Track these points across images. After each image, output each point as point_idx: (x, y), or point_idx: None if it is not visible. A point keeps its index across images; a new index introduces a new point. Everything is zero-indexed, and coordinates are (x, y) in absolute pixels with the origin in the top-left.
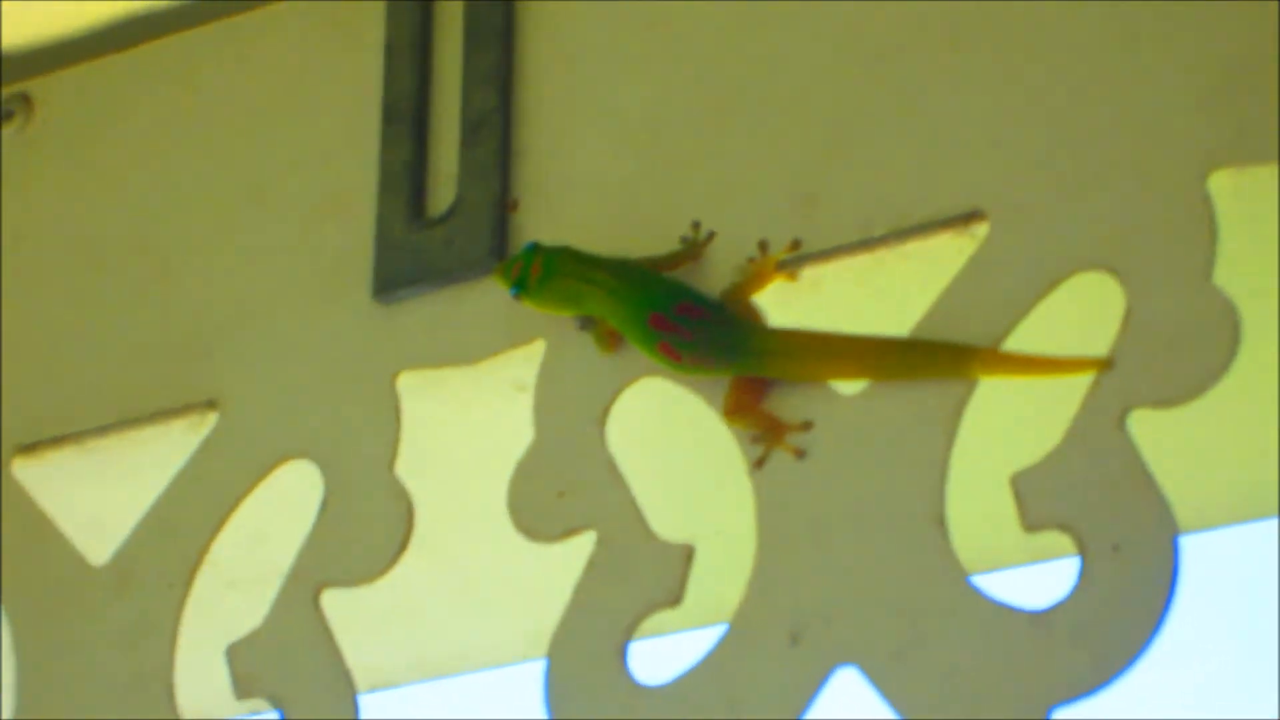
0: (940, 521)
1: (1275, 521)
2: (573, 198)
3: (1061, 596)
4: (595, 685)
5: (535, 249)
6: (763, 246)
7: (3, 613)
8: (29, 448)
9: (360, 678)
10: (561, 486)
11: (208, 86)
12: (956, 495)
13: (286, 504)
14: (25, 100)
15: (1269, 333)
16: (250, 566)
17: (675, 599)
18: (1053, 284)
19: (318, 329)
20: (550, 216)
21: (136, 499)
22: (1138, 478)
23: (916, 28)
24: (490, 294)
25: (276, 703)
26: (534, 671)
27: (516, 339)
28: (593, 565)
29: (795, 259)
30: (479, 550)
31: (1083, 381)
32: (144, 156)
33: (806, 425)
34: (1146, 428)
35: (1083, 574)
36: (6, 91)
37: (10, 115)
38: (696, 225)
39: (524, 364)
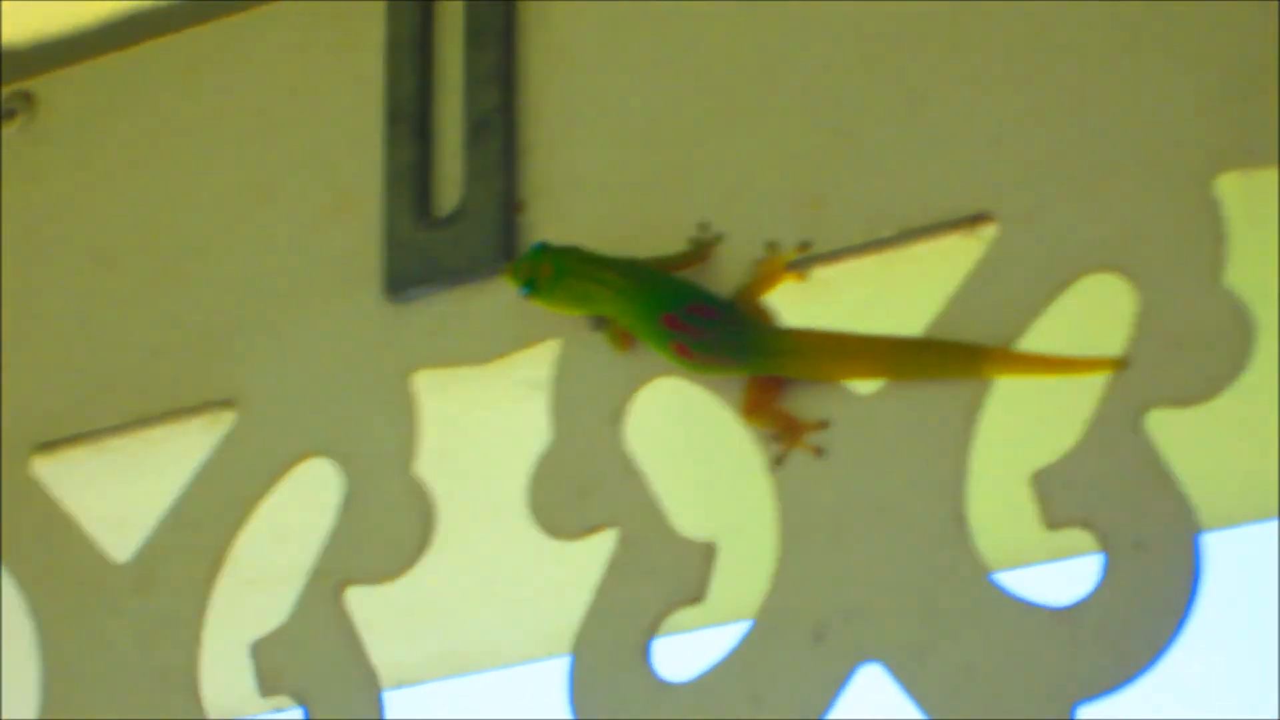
0: (960, 519)
1: None
2: (579, 198)
3: (1084, 594)
4: (619, 682)
5: (544, 249)
6: (771, 247)
7: (27, 610)
8: (48, 446)
9: (384, 675)
10: (581, 485)
11: (212, 85)
12: (976, 493)
13: (307, 501)
14: (28, 98)
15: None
16: (272, 564)
17: (698, 596)
18: (1062, 286)
19: (331, 327)
20: (557, 217)
21: (156, 497)
22: (1157, 476)
23: (924, 29)
24: (502, 293)
25: (301, 700)
26: (557, 669)
27: (530, 338)
28: (615, 563)
29: (804, 260)
30: (500, 548)
31: (1097, 382)
32: (149, 155)
33: (824, 424)
34: (1163, 426)
35: (1106, 571)
36: (10, 90)
37: (13, 114)
38: (704, 226)
39: (538, 363)
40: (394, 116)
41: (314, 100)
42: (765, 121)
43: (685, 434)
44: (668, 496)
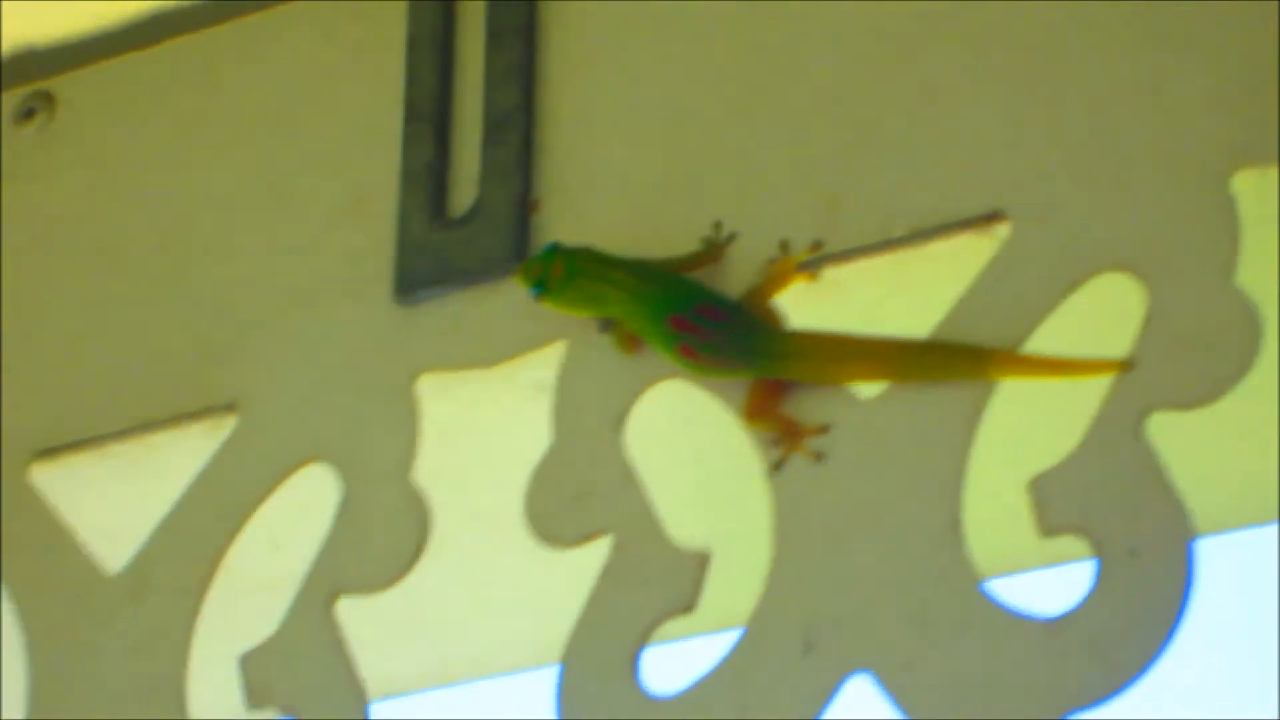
0: (956, 525)
1: None
2: (594, 197)
3: (1077, 602)
4: (607, 692)
5: (556, 249)
6: (784, 247)
7: (17, 619)
8: (48, 452)
9: (373, 685)
10: (578, 490)
11: (229, 84)
12: (973, 499)
13: (303, 509)
14: (48, 98)
15: None
16: (265, 573)
17: (689, 605)
18: (1074, 285)
19: (338, 330)
20: (572, 216)
21: (156, 502)
22: (1155, 481)
23: (938, 28)
24: (511, 295)
25: (288, 711)
26: (547, 678)
27: (537, 340)
28: (608, 571)
29: (816, 260)
30: (494, 555)
31: (1102, 383)
32: (165, 155)
33: (825, 428)
34: (1165, 430)
35: (1099, 578)
36: (29, 89)
37: (32, 113)
38: (718, 226)
39: (544, 365)
40: (412, 115)
41: (332, 99)
42: (780, 122)
43: (686, 439)
44: (665, 503)
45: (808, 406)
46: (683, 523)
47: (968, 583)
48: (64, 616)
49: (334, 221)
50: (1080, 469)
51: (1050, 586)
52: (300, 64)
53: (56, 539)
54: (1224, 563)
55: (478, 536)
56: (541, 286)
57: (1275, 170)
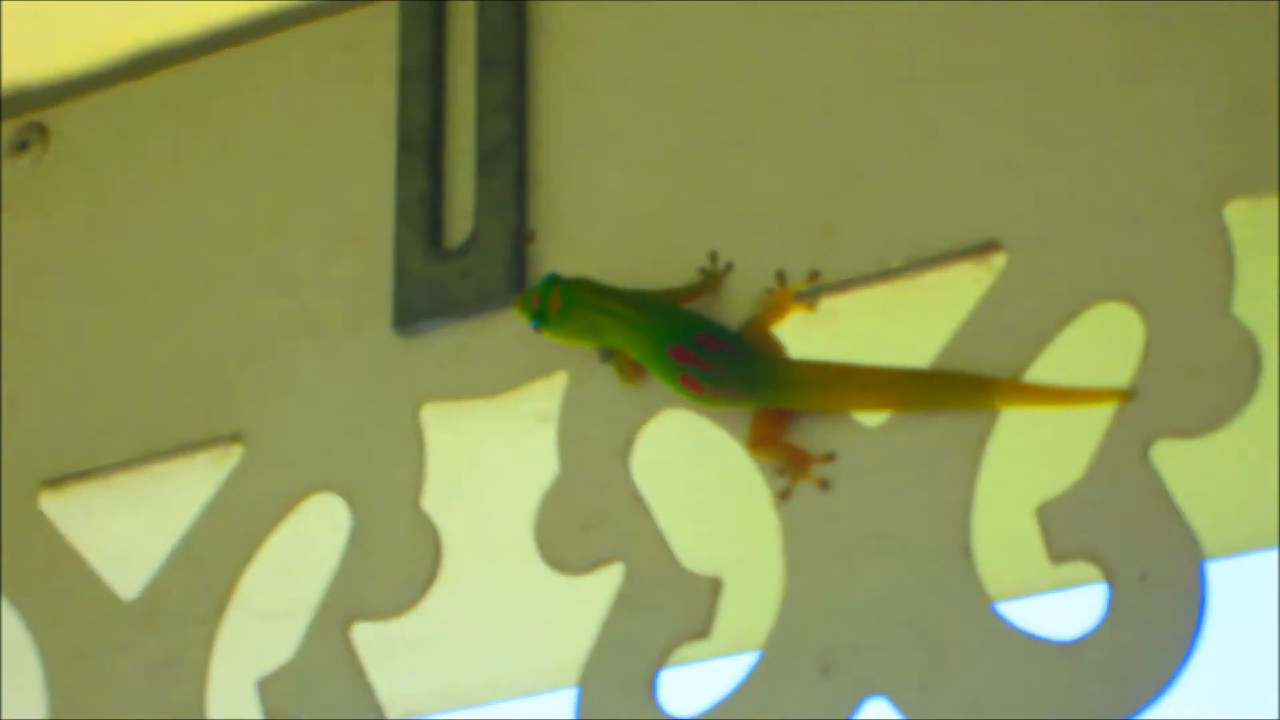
0: (967, 551)
1: None
2: (590, 228)
3: (1090, 626)
4: (627, 713)
5: (553, 280)
6: (780, 278)
7: (33, 647)
8: (56, 482)
9: (390, 708)
10: (587, 518)
11: (223, 116)
12: (982, 525)
13: (314, 537)
14: (41, 130)
15: None
16: (279, 600)
17: (704, 630)
18: (1071, 315)
19: (339, 361)
20: (567, 247)
21: (163, 532)
22: (1163, 507)
23: (933, 59)
24: (511, 325)
25: None
26: (564, 702)
27: (538, 371)
28: (621, 597)
29: (813, 290)
30: (507, 582)
31: (1105, 412)
32: (160, 186)
33: (830, 456)
34: (1170, 457)
35: (1111, 603)
36: (22, 122)
37: (26, 145)
38: (714, 256)
39: (546, 395)
40: (406, 146)
41: (325, 130)
42: (775, 152)
43: (692, 467)
44: (674, 530)
45: (813, 435)
46: (693, 549)
47: (981, 606)
48: (80, 644)
49: (331, 252)
50: (1087, 496)
51: (1063, 610)
52: (293, 95)
53: (70, 567)
54: (1232, 586)
55: (489, 563)
56: (540, 318)
57: (1269, 199)
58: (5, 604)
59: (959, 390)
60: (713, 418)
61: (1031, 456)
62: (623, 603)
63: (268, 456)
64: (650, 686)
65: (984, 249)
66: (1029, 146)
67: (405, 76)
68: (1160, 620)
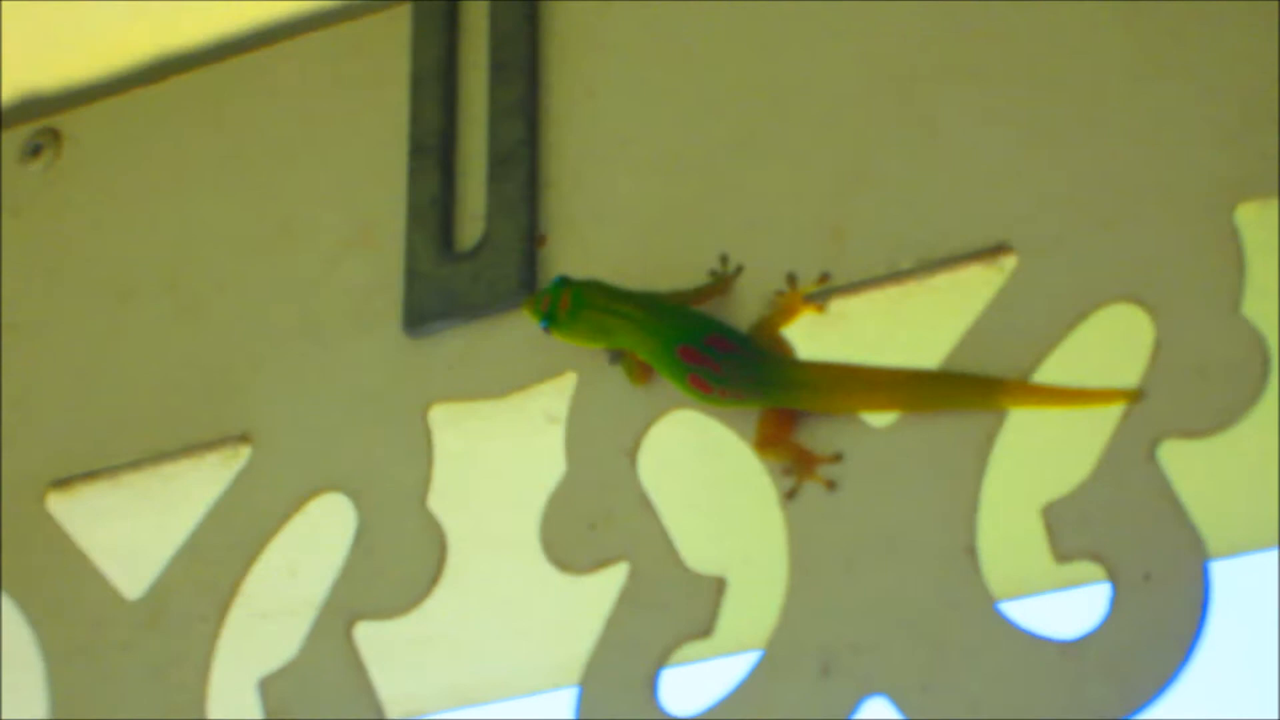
0: (971, 551)
1: None
2: (601, 231)
3: (1093, 626)
4: (626, 713)
5: (564, 282)
6: (790, 280)
7: (36, 645)
8: (63, 483)
9: (392, 707)
10: (593, 518)
11: (235, 121)
12: (987, 525)
13: (319, 537)
14: (54, 135)
15: None
16: (283, 599)
17: (706, 630)
18: (1081, 316)
19: (349, 362)
20: (579, 250)
21: (170, 532)
22: (1168, 507)
23: (943, 61)
24: (521, 327)
25: None
26: (565, 700)
27: (547, 371)
28: (625, 596)
29: (823, 292)
30: (511, 582)
31: (1113, 412)
32: (172, 190)
33: (837, 457)
34: (1177, 457)
35: (1114, 603)
36: (35, 127)
37: (39, 150)
38: (725, 259)
39: (555, 396)
40: (418, 149)
41: (338, 135)
42: (785, 154)
43: (699, 467)
44: (680, 530)
45: (820, 436)
46: (698, 549)
47: (983, 605)
48: (84, 642)
49: (342, 255)
50: (1093, 496)
51: (1064, 609)
52: (305, 100)
53: (75, 567)
54: (1237, 586)
55: (494, 562)
56: (550, 319)
57: (1278, 202)
58: (7, 602)
59: (966, 391)
60: (720, 418)
61: (1038, 457)
62: (626, 602)
63: (276, 457)
64: (651, 686)
65: (994, 251)
66: (1039, 148)
67: (417, 81)
68: (1162, 620)
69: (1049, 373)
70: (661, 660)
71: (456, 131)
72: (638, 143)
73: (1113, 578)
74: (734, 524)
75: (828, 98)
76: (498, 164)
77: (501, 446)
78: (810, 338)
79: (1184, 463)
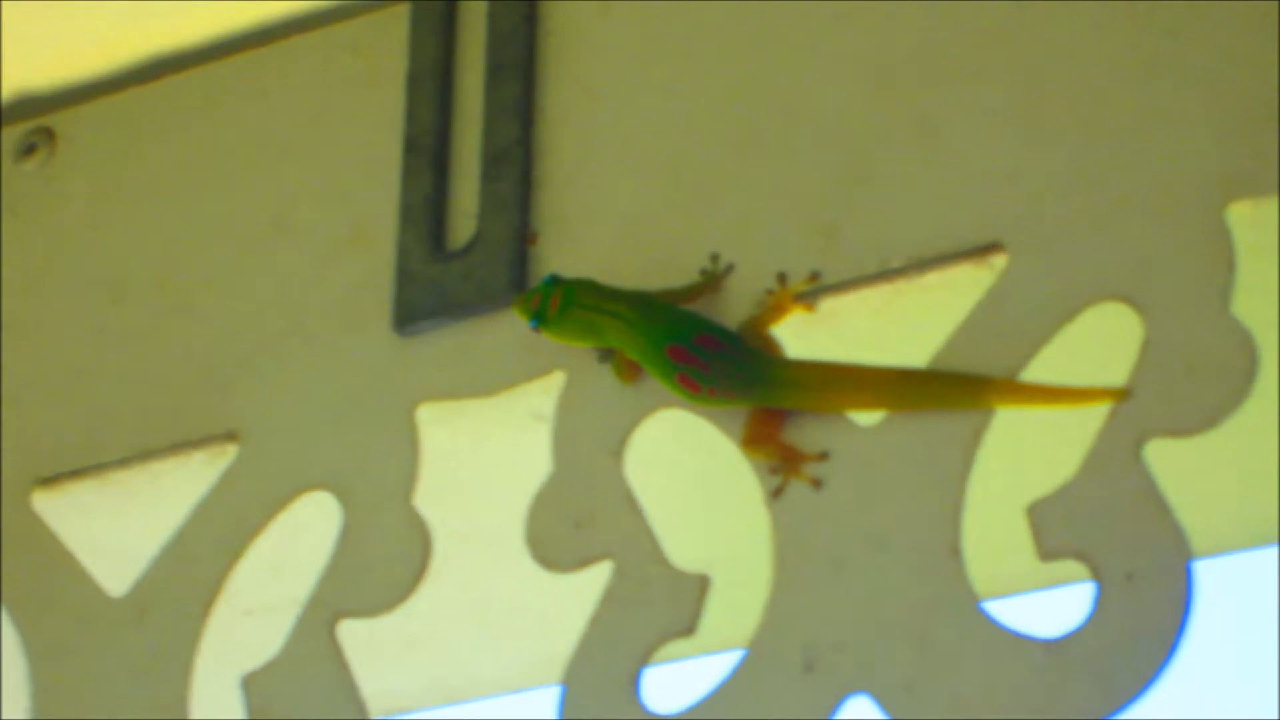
0: (956, 551)
1: None
2: (593, 230)
3: (1076, 625)
4: (609, 711)
5: (554, 281)
6: (781, 278)
7: (19, 643)
8: (50, 480)
9: (375, 704)
10: (579, 517)
11: (229, 119)
12: (972, 524)
13: (305, 534)
14: (48, 134)
15: None
16: (267, 596)
17: (690, 628)
18: (1071, 315)
19: (338, 360)
20: (570, 249)
21: (156, 530)
22: (1153, 506)
23: (935, 61)
24: (510, 326)
25: None
26: (548, 698)
27: (535, 370)
28: (609, 594)
29: (813, 291)
30: (496, 579)
31: (1099, 411)
32: (165, 189)
33: (824, 455)
34: (1163, 456)
35: (1098, 602)
36: (29, 125)
37: (33, 149)
38: (715, 257)
39: (543, 395)
40: (411, 148)
41: (332, 134)
42: (777, 154)
43: (686, 466)
44: (665, 528)
45: (807, 435)
46: (683, 547)
47: (967, 604)
48: (68, 639)
49: (333, 254)
50: (1078, 494)
51: (1048, 607)
52: (299, 98)
53: (60, 564)
54: (1222, 584)
55: (479, 560)
56: (540, 318)
57: (1270, 201)
58: None
59: (954, 390)
60: (708, 417)
61: (1025, 455)
62: (610, 600)
63: (263, 455)
64: (634, 684)
65: (985, 250)
66: (1030, 148)
67: (414, 79)
68: (1146, 618)
69: (1037, 371)
70: (645, 658)
71: (451, 130)
72: (630, 142)
73: (1097, 577)
74: (719, 522)
75: (819, 98)
76: (491, 163)
77: (489, 445)
78: (800, 336)
79: (1170, 462)
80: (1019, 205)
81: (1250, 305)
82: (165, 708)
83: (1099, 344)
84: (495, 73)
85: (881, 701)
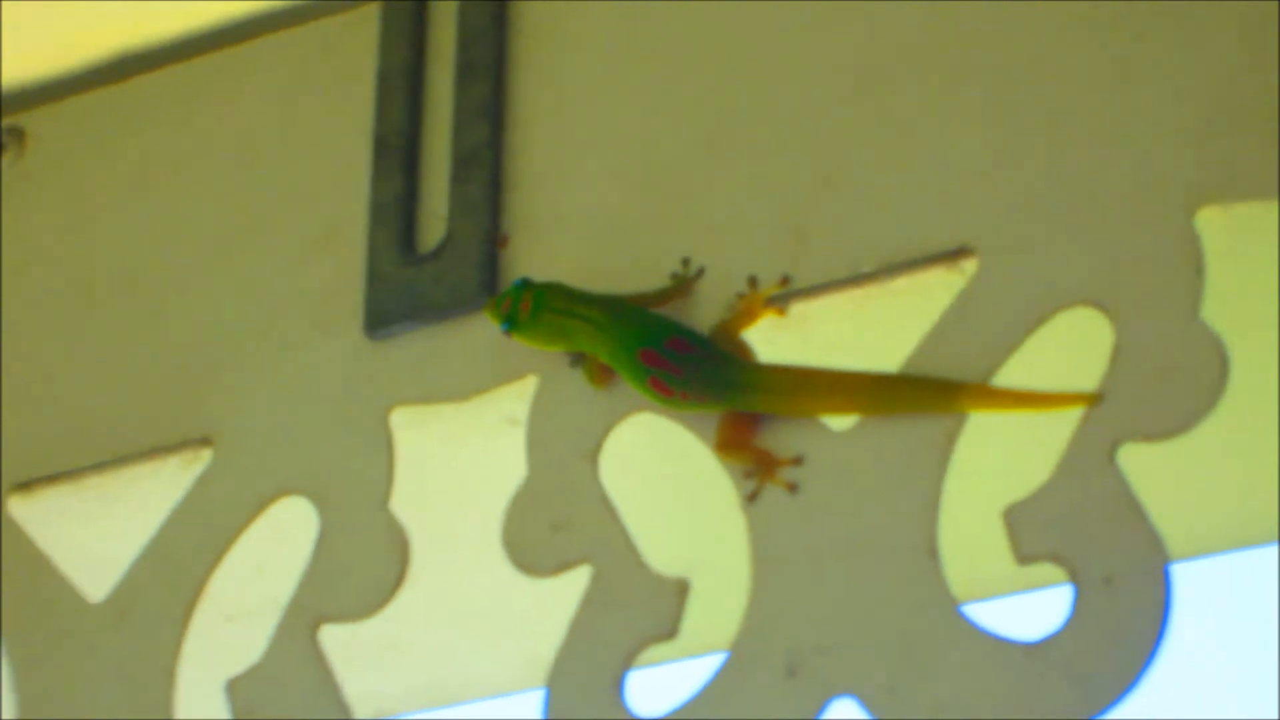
0: (933, 553)
1: (1273, 548)
2: (563, 234)
3: (1055, 628)
4: (594, 714)
5: (525, 285)
6: (752, 283)
7: (2, 651)
8: (25, 486)
9: (359, 708)
10: (555, 521)
11: (200, 120)
12: (949, 527)
13: (282, 539)
14: (18, 134)
15: (1255, 366)
16: (248, 601)
17: (670, 632)
18: (1041, 319)
19: (310, 364)
20: (541, 252)
21: (133, 535)
22: (1129, 510)
23: (906, 65)
24: (481, 329)
25: None
26: (532, 702)
27: (508, 374)
28: (588, 598)
29: (784, 295)
30: (474, 584)
31: (1073, 416)
32: (136, 190)
33: (798, 460)
34: (1136, 460)
35: (1076, 605)
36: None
37: (3, 148)
38: (686, 262)
39: (516, 399)
40: (381, 149)
41: (302, 135)
42: (748, 158)
43: (660, 470)
44: (642, 532)
45: (780, 439)
46: (660, 552)
47: (947, 607)
48: (49, 645)
49: (304, 256)
50: (1053, 498)
51: (1027, 611)
52: (271, 99)
53: (39, 570)
54: (1199, 588)
55: (458, 565)
56: (511, 322)
57: (1240, 207)
58: None
59: (926, 394)
60: (681, 421)
61: (999, 460)
62: (590, 604)
63: (237, 460)
64: (618, 687)
65: (955, 254)
66: (1001, 152)
67: (383, 80)
68: (1124, 621)
69: (1009, 376)
70: (627, 662)
71: (421, 131)
72: (601, 145)
73: (1074, 580)
74: (696, 527)
75: (790, 101)
76: (461, 165)
77: (463, 450)
78: (771, 341)
79: (1144, 466)
80: (988, 210)
81: (1220, 310)
82: (150, 712)
83: (1070, 349)
84: (465, 73)
85: (865, 703)
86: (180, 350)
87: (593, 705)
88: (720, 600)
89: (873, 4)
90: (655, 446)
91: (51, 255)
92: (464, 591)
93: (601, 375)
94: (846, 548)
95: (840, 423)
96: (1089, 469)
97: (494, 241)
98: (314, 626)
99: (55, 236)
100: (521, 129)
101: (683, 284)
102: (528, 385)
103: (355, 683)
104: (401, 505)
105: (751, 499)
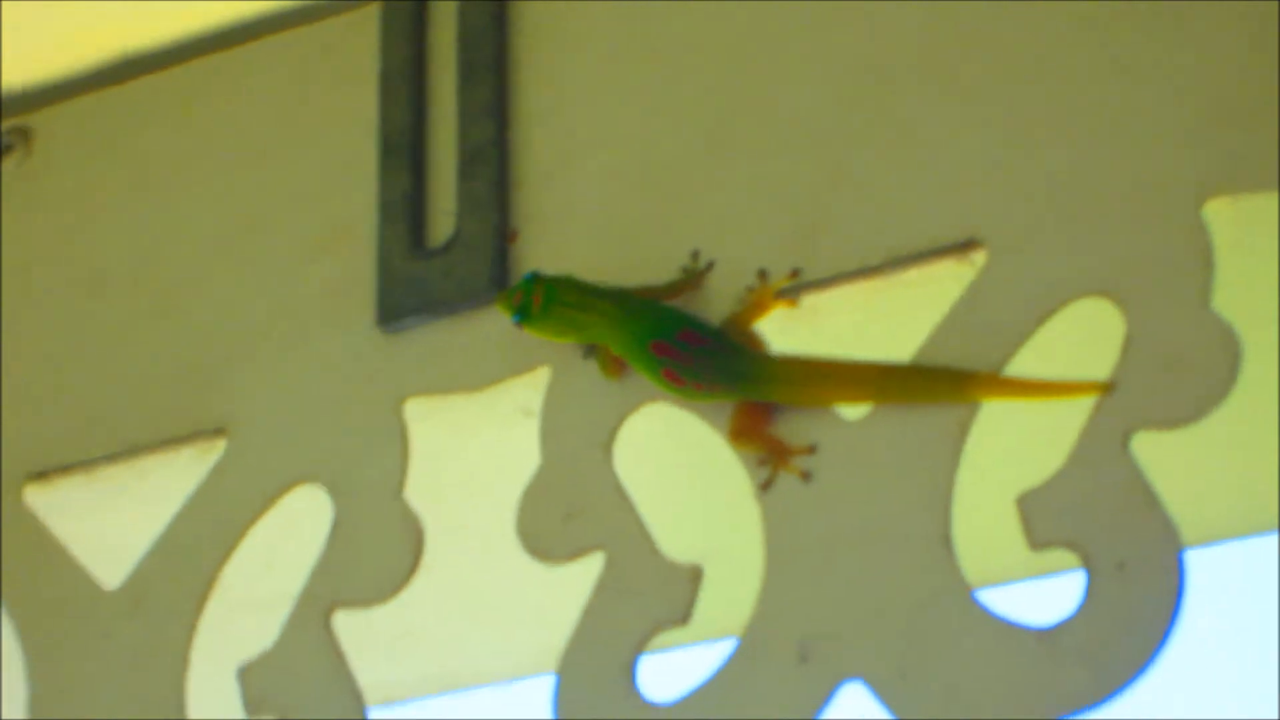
0: (946, 541)
1: (1276, 536)
2: (571, 228)
3: (1068, 614)
4: (604, 701)
5: (536, 278)
6: (762, 275)
7: (18, 637)
8: (40, 475)
9: (371, 692)
10: (569, 509)
11: (203, 119)
12: (962, 515)
13: (296, 528)
14: (25, 133)
15: (1266, 356)
16: (261, 589)
17: (683, 618)
18: (1051, 311)
19: (324, 357)
20: (549, 247)
21: (147, 525)
22: (1142, 497)
23: (915, 58)
24: (493, 322)
25: (286, 715)
26: (543, 687)
27: (521, 366)
28: (601, 585)
29: (794, 287)
30: (488, 572)
31: (1085, 404)
32: (145, 189)
33: (811, 448)
34: (1149, 448)
35: (1089, 592)
36: (6, 125)
37: (10, 148)
38: (696, 255)
39: (530, 390)
40: (388, 148)
41: (309, 133)
42: (757, 151)
43: (674, 459)
44: (655, 520)
45: (794, 427)
46: (674, 539)
47: (959, 593)
48: (63, 632)
49: (315, 252)
50: (1067, 485)
51: (1040, 598)
52: (276, 99)
53: (54, 558)
54: (1210, 574)
55: (471, 553)
56: (523, 314)
57: (1248, 198)
58: None
59: (939, 384)
60: (695, 411)
61: (1012, 448)
62: (603, 591)
63: (251, 450)
64: (629, 673)
65: (965, 246)
66: (1010, 144)
67: (386, 80)
68: (1137, 608)
69: (1021, 366)
70: (639, 648)
71: (426, 130)
72: (607, 140)
73: (1088, 566)
74: (710, 515)
75: (799, 95)
76: (467, 162)
77: (477, 440)
78: (782, 333)
79: (1157, 454)
80: (998, 202)
81: (1231, 300)
82: (163, 698)
83: (1081, 339)
84: (467, 72)
85: (876, 689)
86: (195, 343)
87: (604, 691)
88: (733, 587)
89: (882, 1)
90: (669, 436)
91: (62, 252)
92: (477, 580)
93: (614, 366)
94: (859, 535)
95: (853, 411)
96: (1102, 457)
97: (503, 236)
98: (327, 614)
99: (65, 234)
100: (526, 126)
101: (692, 277)
102: (541, 376)
103: (368, 670)
104: (415, 495)
105: (765, 487)
